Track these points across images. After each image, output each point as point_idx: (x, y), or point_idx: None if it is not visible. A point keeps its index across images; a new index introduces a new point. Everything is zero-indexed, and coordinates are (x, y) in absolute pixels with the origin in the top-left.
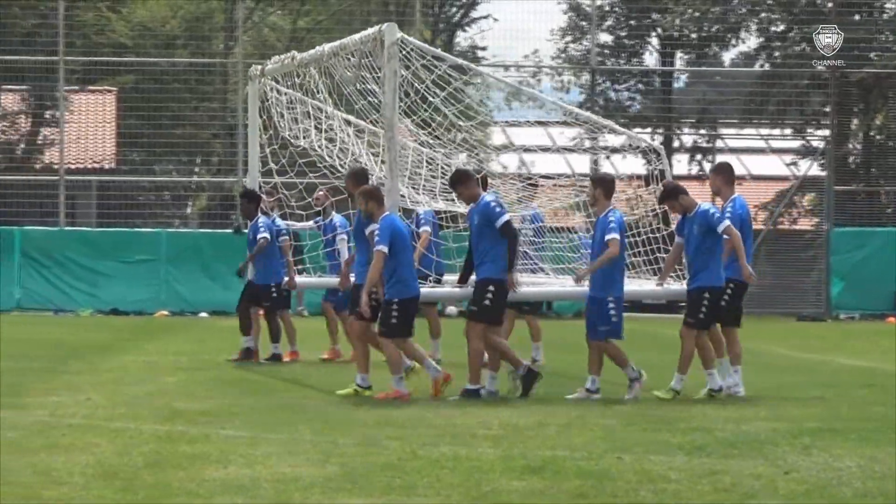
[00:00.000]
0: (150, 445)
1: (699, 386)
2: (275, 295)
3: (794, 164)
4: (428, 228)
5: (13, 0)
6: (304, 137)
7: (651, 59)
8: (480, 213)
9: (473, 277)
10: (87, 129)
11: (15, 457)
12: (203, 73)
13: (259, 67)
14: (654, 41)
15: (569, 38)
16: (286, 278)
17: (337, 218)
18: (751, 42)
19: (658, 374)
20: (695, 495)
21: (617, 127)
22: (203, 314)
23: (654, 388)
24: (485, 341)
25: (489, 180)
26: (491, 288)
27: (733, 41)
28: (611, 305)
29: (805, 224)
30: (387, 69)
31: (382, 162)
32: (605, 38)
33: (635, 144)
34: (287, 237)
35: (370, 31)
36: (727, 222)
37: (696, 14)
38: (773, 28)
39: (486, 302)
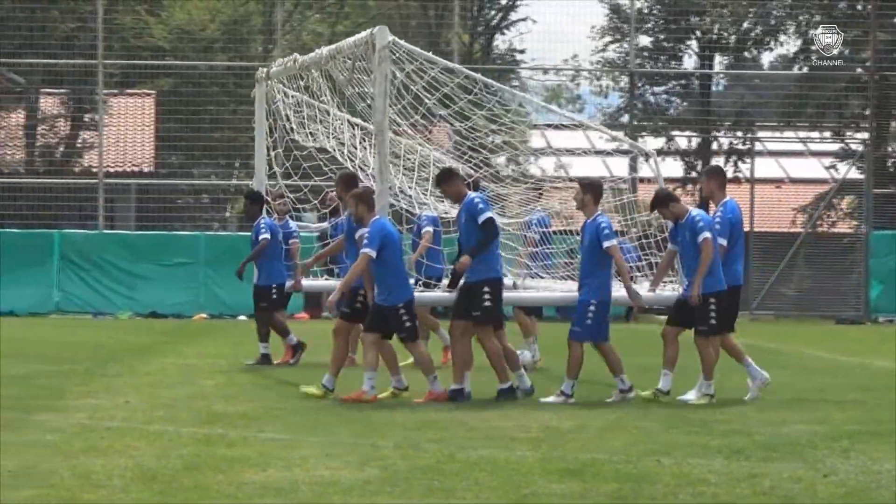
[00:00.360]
0: (188, 448)
1: (732, 390)
2: (274, 296)
3: (833, 167)
4: (430, 228)
5: (52, 4)
6: (312, 140)
7: (690, 62)
8: (467, 211)
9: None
10: (126, 132)
11: (55, 459)
12: (241, 76)
13: (265, 70)
14: (693, 44)
15: (608, 41)
16: (289, 281)
17: (293, 224)
18: (789, 45)
19: (682, 375)
20: (734, 498)
21: (608, 131)
22: (242, 317)
23: (678, 392)
24: (464, 342)
25: (481, 183)
26: (486, 289)
27: (772, 44)
28: (591, 309)
29: (844, 227)
30: (378, 72)
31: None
32: (645, 40)
33: (627, 149)
34: (298, 239)
35: (363, 34)
36: (707, 234)
37: (734, 17)
38: (812, 30)
39: (487, 303)
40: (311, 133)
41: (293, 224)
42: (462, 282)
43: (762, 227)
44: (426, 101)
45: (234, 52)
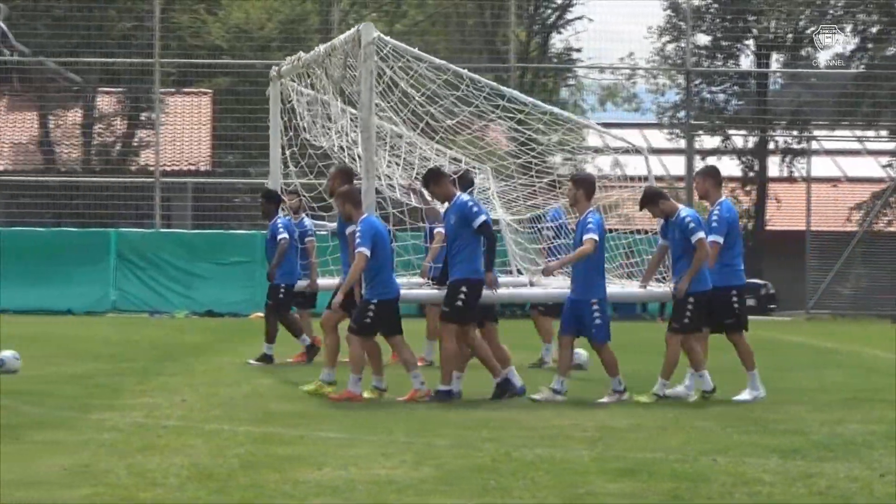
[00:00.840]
0: (244, 447)
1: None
2: (282, 296)
3: (890, 165)
4: (441, 230)
5: (110, 3)
6: (324, 138)
7: (746, 61)
8: (457, 213)
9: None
10: (183, 131)
11: (111, 458)
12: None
13: (277, 68)
14: (750, 42)
15: (665, 39)
16: (303, 281)
17: (307, 221)
18: (846, 43)
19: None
20: (790, 498)
21: (597, 126)
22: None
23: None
24: (460, 342)
25: (468, 175)
26: (464, 289)
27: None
28: (594, 308)
29: None
30: (363, 68)
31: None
32: (702, 39)
33: (617, 146)
34: (313, 238)
35: (352, 30)
36: (700, 234)
37: (791, 16)
38: (869, 29)
39: (459, 303)
40: (323, 131)
41: (308, 222)
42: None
43: (818, 226)
44: (415, 97)
45: (290, 51)
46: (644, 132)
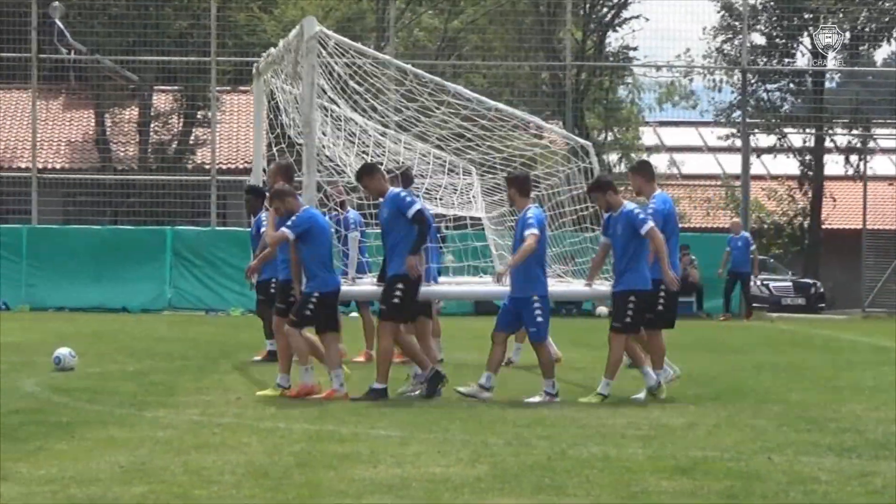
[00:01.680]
0: (300, 445)
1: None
2: (273, 290)
3: None
4: (535, 230)
5: (166, 1)
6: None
7: (803, 59)
8: (390, 205)
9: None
10: (239, 129)
11: (167, 455)
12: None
13: (256, 65)
14: (806, 41)
15: (721, 38)
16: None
17: (352, 214)
18: None
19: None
20: (845, 497)
21: (544, 123)
22: (354, 314)
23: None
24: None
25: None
26: (400, 286)
27: (886, 41)
28: (536, 305)
29: None
30: (304, 63)
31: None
32: (758, 37)
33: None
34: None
35: (298, 27)
36: (650, 224)
37: (847, 14)
38: None
39: (395, 300)
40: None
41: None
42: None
43: (875, 224)
44: (360, 91)
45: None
46: (700, 130)
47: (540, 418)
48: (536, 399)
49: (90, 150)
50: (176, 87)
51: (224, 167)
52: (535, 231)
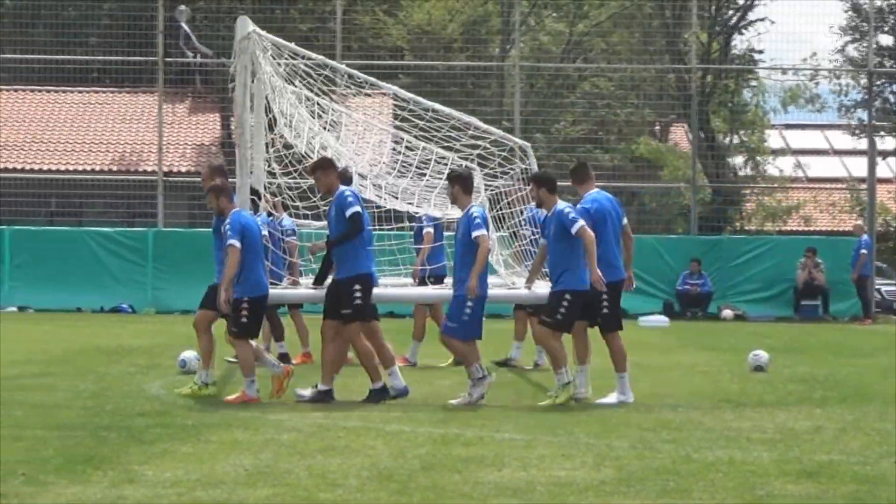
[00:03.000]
0: (425, 448)
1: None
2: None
3: None
4: (430, 229)
5: (292, 4)
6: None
7: None
8: (336, 205)
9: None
10: (364, 132)
11: (292, 459)
12: (479, 76)
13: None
14: None
15: (847, 39)
16: (285, 281)
17: (287, 220)
18: None
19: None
20: None
21: (481, 124)
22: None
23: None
24: (337, 343)
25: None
26: (357, 286)
27: None
28: (468, 304)
29: None
30: (238, 63)
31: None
32: (885, 39)
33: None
34: (295, 237)
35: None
36: (580, 223)
37: None
38: None
39: (357, 301)
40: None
41: (288, 221)
42: (330, 279)
43: None
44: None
45: (472, 52)
46: (826, 133)
47: (665, 422)
48: (459, 400)
49: (216, 154)
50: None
51: (350, 169)
52: (484, 232)
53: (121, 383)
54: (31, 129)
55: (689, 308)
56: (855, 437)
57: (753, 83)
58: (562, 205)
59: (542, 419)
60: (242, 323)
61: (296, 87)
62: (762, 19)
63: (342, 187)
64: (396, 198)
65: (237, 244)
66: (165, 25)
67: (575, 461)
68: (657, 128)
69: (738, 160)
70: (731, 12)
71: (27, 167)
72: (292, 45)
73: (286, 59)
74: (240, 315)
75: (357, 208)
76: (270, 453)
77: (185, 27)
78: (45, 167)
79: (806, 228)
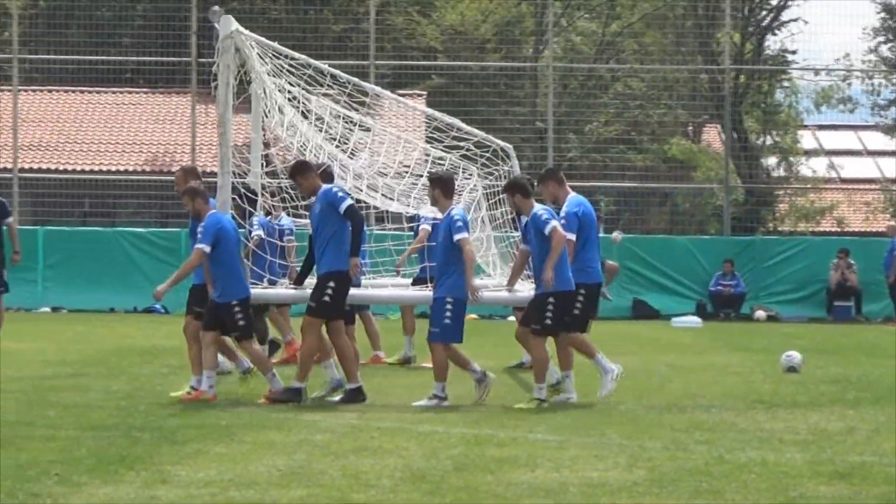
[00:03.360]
0: (458, 449)
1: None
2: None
3: None
4: (428, 227)
5: (325, 5)
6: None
7: None
8: (322, 201)
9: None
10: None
11: (325, 459)
12: (513, 76)
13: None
14: None
15: (880, 40)
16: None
17: (286, 220)
18: None
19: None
20: None
21: (463, 125)
22: (511, 318)
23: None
24: (344, 339)
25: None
26: (331, 283)
27: None
28: (448, 307)
29: None
30: (220, 62)
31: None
32: None
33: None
34: (293, 237)
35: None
36: (553, 223)
37: None
38: None
39: (326, 298)
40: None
41: (287, 221)
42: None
43: None
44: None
45: (505, 52)
46: (859, 133)
47: (698, 423)
48: (423, 402)
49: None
50: (334, 91)
51: (382, 171)
52: (466, 235)
53: (154, 384)
54: (65, 129)
55: (721, 309)
56: (888, 439)
57: (786, 84)
58: (537, 208)
59: (575, 420)
60: (241, 325)
61: (292, 85)
62: (795, 20)
63: (325, 185)
64: (392, 199)
65: (206, 249)
66: (199, 26)
67: (607, 462)
68: (690, 128)
69: (771, 161)
70: (764, 13)
71: (61, 167)
72: (275, 44)
73: (271, 57)
74: (236, 319)
75: (350, 201)
76: (304, 454)
77: (219, 27)
78: (79, 168)
79: (839, 229)
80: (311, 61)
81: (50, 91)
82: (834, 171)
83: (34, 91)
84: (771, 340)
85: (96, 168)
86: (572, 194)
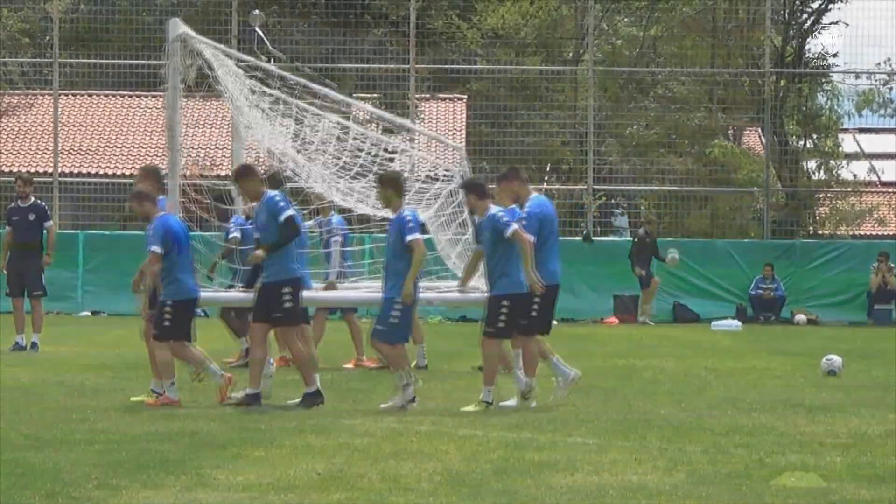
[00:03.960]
0: (497, 452)
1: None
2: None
3: None
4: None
5: (365, 9)
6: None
7: None
8: (265, 210)
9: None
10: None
11: (365, 463)
12: (553, 80)
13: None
14: None
15: None
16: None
17: (335, 218)
18: None
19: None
20: None
21: (416, 127)
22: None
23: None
24: (266, 346)
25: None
26: (286, 290)
27: None
28: (396, 307)
29: None
30: (169, 65)
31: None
32: None
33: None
34: None
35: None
36: (514, 226)
37: None
38: None
39: (287, 304)
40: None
41: None
42: (259, 283)
43: None
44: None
45: (545, 56)
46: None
47: (737, 426)
48: (387, 405)
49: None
50: (374, 95)
51: (423, 175)
52: (418, 236)
53: (193, 387)
54: (105, 133)
55: (761, 312)
56: None
57: (827, 87)
58: (494, 209)
59: (615, 424)
60: (165, 327)
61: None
62: (836, 22)
63: (269, 192)
64: (363, 202)
65: (158, 250)
66: (239, 30)
67: (647, 466)
68: (730, 132)
69: (812, 164)
70: (805, 15)
71: (101, 172)
72: (222, 46)
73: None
74: (163, 318)
75: (290, 212)
76: (343, 458)
77: (259, 31)
78: (119, 171)
79: (879, 232)
80: (261, 63)
81: (90, 95)
82: (875, 175)
83: (75, 95)
84: (811, 344)
85: (137, 172)
86: (534, 194)
